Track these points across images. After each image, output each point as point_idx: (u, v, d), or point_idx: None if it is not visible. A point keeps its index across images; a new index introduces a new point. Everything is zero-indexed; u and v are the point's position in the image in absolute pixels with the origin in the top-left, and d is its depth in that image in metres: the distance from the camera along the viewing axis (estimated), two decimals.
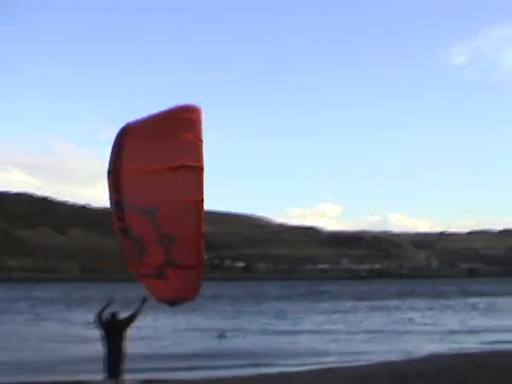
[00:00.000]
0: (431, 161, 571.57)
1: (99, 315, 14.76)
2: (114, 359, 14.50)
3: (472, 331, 43.58)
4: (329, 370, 21.17)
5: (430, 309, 70.93)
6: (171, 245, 13.33)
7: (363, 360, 27.60)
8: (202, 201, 13.14)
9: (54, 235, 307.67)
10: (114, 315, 14.76)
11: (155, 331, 43.70)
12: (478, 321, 52.83)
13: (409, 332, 43.03)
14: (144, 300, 14.35)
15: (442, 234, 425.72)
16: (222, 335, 40.59)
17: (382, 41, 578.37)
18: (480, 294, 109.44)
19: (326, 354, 32.17)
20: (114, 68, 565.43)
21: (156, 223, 13.32)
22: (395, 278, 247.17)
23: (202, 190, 13.13)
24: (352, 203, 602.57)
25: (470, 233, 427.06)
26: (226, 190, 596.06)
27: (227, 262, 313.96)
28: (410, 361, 25.13)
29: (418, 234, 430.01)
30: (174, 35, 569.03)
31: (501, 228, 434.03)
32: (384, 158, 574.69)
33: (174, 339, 39.51)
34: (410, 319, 55.18)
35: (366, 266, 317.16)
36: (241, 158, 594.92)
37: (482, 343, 34.71)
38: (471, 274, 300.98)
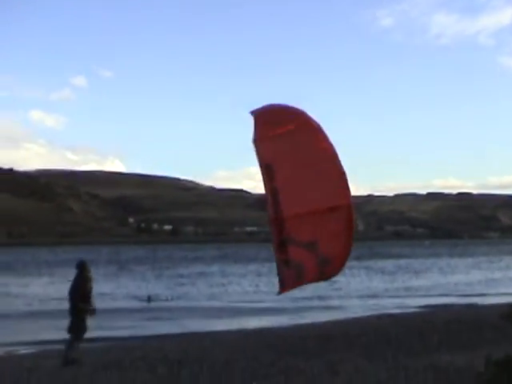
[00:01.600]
0: (356, 122, 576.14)
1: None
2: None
3: (399, 294, 44.36)
4: (255, 331, 21.34)
5: (357, 271, 72.02)
6: (325, 267, 14.24)
7: (289, 321, 27.90)
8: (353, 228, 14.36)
9: None
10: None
11: None
12: (407, 283, 53.84)
13: (334, 295, 43.54)
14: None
15: (368, 197, 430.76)
16: (149, 299, 40.52)
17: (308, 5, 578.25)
18: (406, 257, 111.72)
19: (252, 314, 32.56)
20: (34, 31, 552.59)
21: (316, 252, 14.05)
22: None
23: (354, 220, 14.39)
24: None
25: (396, 196, 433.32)
26: (153, 153, 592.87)
27: (154, 226, 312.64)
28: (336, 322, 25.50)
29: None
30: None
31: (427, 191, 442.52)
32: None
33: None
34: (335, 281, 55.88)
35: None
36: (168, 121, 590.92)
37: (407, 306, 35.15)
38: (397, 236, 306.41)
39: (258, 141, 15.91)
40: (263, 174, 15.72)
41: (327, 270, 15.28)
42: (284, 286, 16.10)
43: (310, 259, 14.94)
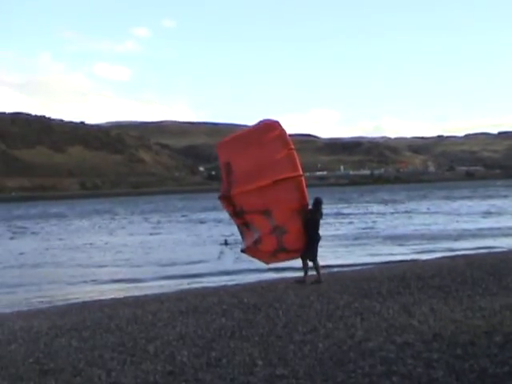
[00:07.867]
0: (425, 63, 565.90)
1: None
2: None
3: (473, 234, 43.52)
4: (329, 274, 21.41)
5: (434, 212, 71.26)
6: (282, 236, 17.87)
7: (363, 263, 27.94)
8: (306, 205, 18.04)
9: (52, 154, 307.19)
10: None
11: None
12: (481, 224, 52.83)
13: (407, 235, 43.21)
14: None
15: (439, 138, 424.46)
16: (225, 242, 41.32)
17: None
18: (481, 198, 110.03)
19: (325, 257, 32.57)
20: None
21: (271, 219, 17.66)
22: (393, 183, 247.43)
23: (305, 194, 18.00)
24: (347, 109, 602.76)
25: (467, 136, 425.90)
26: (221, 101, 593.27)
27: None
28: (409, 263, 25.42)
29: (414, 139, 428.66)
30: None
31: (498, 130, 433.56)
32: (377, 62, 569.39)
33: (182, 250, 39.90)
34: (410, 222, 55.46)
35: (365, 172, 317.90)
36: (233, 68, 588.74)
37: (480, 247, 34.48)
38: (469, 177, 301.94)
39: (218, 148, 18.77)
40: (223, 171, 18.51)
41: (286, 239, 18.08)
42: (247, 246, 18.63)
43: (265, 226, 17.94)
